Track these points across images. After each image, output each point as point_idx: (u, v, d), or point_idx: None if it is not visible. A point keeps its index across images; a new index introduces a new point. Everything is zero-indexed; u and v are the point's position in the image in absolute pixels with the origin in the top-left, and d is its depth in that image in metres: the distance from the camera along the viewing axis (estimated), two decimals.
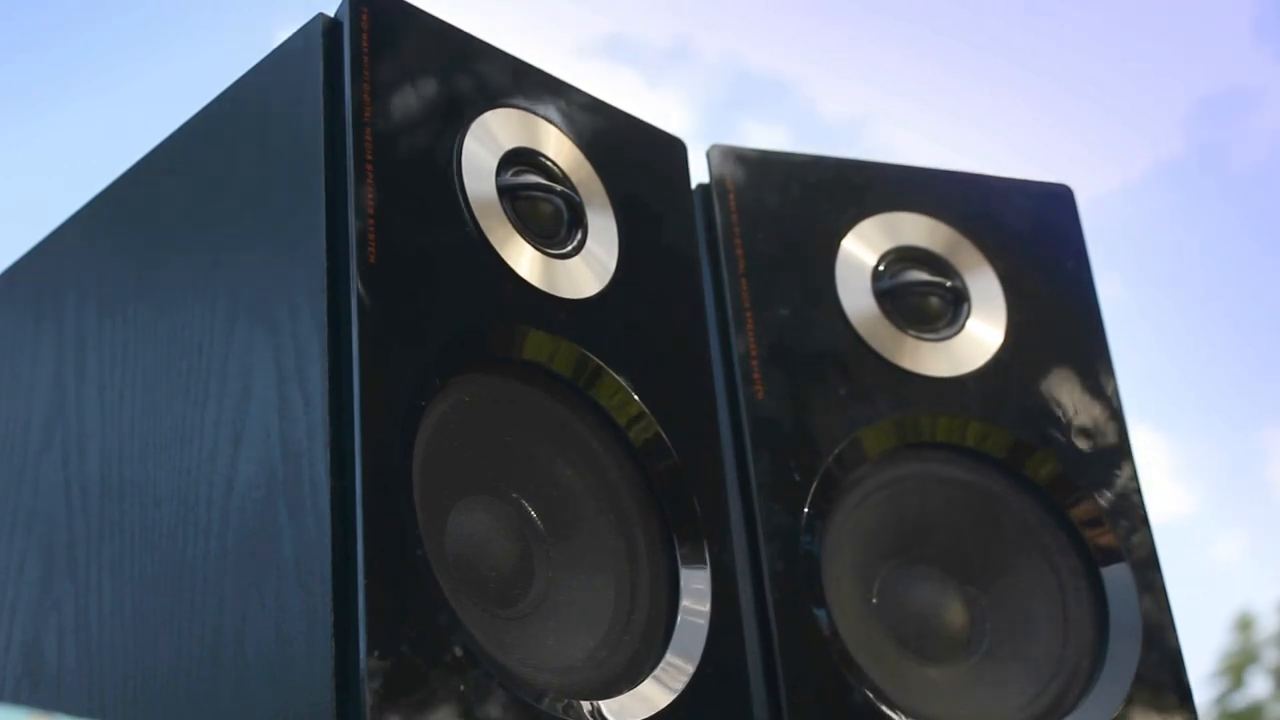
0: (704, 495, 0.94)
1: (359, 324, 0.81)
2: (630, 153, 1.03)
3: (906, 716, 0.95)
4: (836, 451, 1.02)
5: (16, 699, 0.96)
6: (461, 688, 0.76)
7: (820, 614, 0.97)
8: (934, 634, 1.02)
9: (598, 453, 0.92)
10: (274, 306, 0.86)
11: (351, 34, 0.88)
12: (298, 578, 0.78)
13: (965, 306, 1.10)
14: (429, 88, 0.91)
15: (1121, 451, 1.08)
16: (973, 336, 1.09)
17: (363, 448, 0.78)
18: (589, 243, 0.96)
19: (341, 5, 0.90)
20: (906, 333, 1.08)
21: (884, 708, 0.95)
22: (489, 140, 0.93)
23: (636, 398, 0.93)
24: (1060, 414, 1.08)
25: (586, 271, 0.95)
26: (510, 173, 0.94)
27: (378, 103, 0.87)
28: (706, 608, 0.91)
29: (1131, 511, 1.05)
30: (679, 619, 0.90)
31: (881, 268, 1.10)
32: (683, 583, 0.91)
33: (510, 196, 0.93)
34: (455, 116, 0.92)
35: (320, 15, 0.90)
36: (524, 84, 0.97)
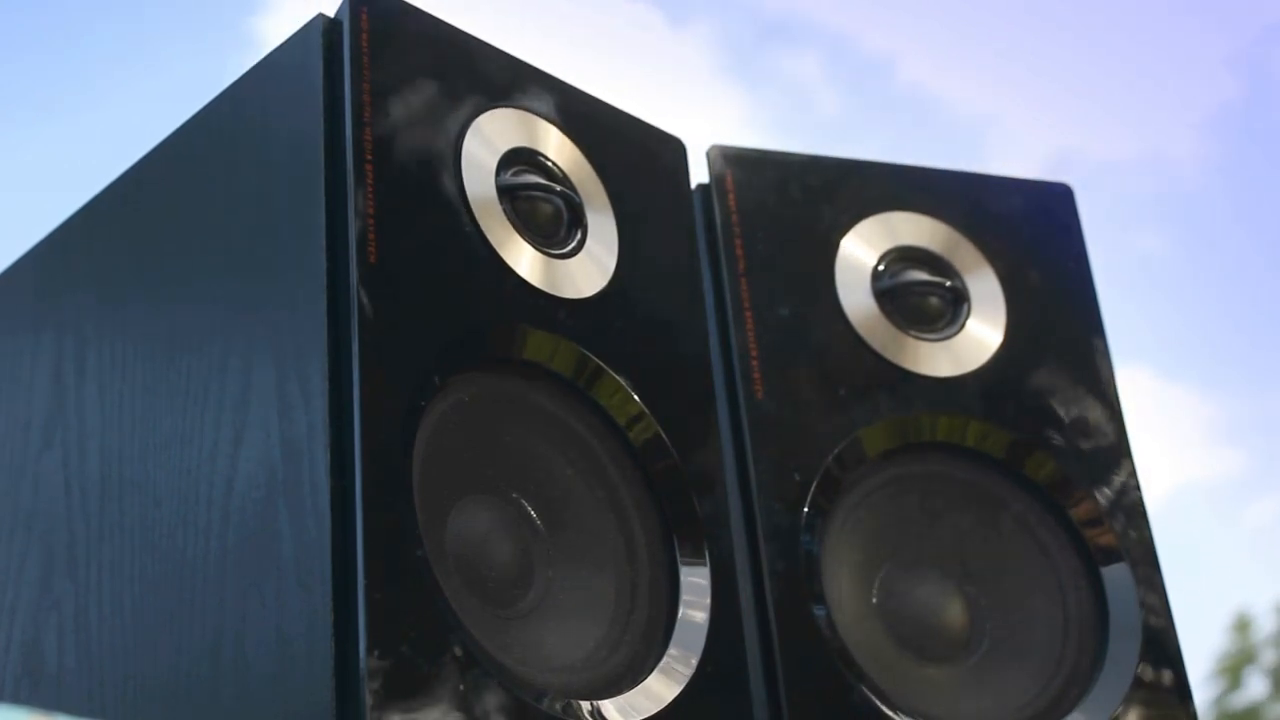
0: (704, 495, 0.94)
1: (359, 324, 0.81)
2: (630, 153, 1.03)
3: (906, 716, 0.95)
4: (836, 451, 1.02)
5: (16, 699, 0.97)
6: (461, 687, 0.76)
7: (820, 613, 0.97)
8: (934, 634, 1.02)
9: (598, 453, 0.92)
10: (274, 306, 0.86)
11: (351, 34, 0.88)
12: (298, 578, 0.78)
13: (965, 306, 1.10)
14: (429, 88, 0.91)
15: (1121, 451, 1.08)
16: (973, 336, 1.09)
17: (363, 448, 0.78)
18: (589, 243, 0.96)
19: (341, 5, 0.90)
20: (906, 333, 1.08)
21: (884, 707, 0.95)
22: (489, 140, 0.93)
23: (636, 398, 0.93)
24: (1060, 414, 1.08)
25: (586, 271, 0.95)
26: (510, 173, 0.94)
27: (377, 103, 0.87)
28: (706, 607, 0.91)
29: (1131, 511, 1.05)
30: (679, 618, 0.90)
31: (881, 267, 1.10)
32: (683, 582, 0.91)
33: (510, 196, 0.93)
34: (455, 116, 0.92)
35: (320, 15, 0.90)
36: (524, 84, 0.97)
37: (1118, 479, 1.06)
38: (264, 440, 0.83)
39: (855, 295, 1.08)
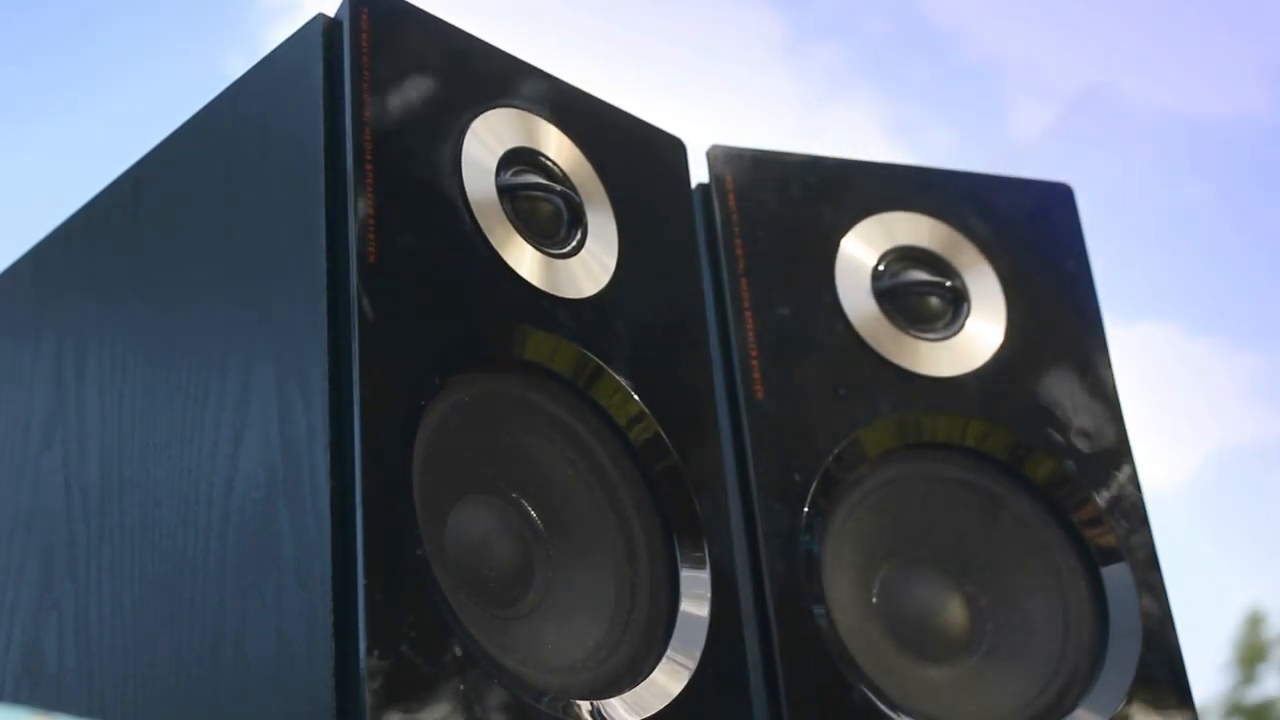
0: (704, 495, 0.94)
1: (359, 324, 0.81)
2: (630, 153, 1.03)
3: (906, 716, 0.95)
4: (836, 451, 1.02)
5: (16, 699, 0.97)
6: (461, 688, 0.76)
7: (820, 613, 0.97)
8: (934, 634, 1.02)
9: (598, 453, 0.92)
10: (274, 307, 0.86)
11: (351, 34, 0.88)
12: (298, 578, 0.78)
13: (965, 306, 1.10)
14: (429, 87, 0.91)
15: (1121, 451, 1.08)
16: (973, 336, 1.09)
17: (363, 448, 0.78)
18: (589, 243, 0.96)
19: (341, 5, 0.90)
20: (906, 332, 1.08)
21: (884, 707, 0.95)
22: (489, 140, 0.93)
23: (636, 398, 0.93)
24: (1060, 414, 1.08)
25: (586, 271, 0.95)
26: (510, 172, 0.94)
27: (377, 102, 0.87)
28: (706, 607, 0.91)
29: (1131, 511, 1.05)
30: (679, 618, 0.90)
31: (881, 267, 1.10)
32: (683, 582, 0.91)
33: (510, 196, 0.93)
34: (455, 116, 0.92)
35: (320, 15, 0.90)
36: (524, 84, 0.97)
37: (1118, 479, 1.06)
38: (264, 440, 0.83)
39: (855, 295, 1.08)
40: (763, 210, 1.08)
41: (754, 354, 1.03)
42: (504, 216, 0.92)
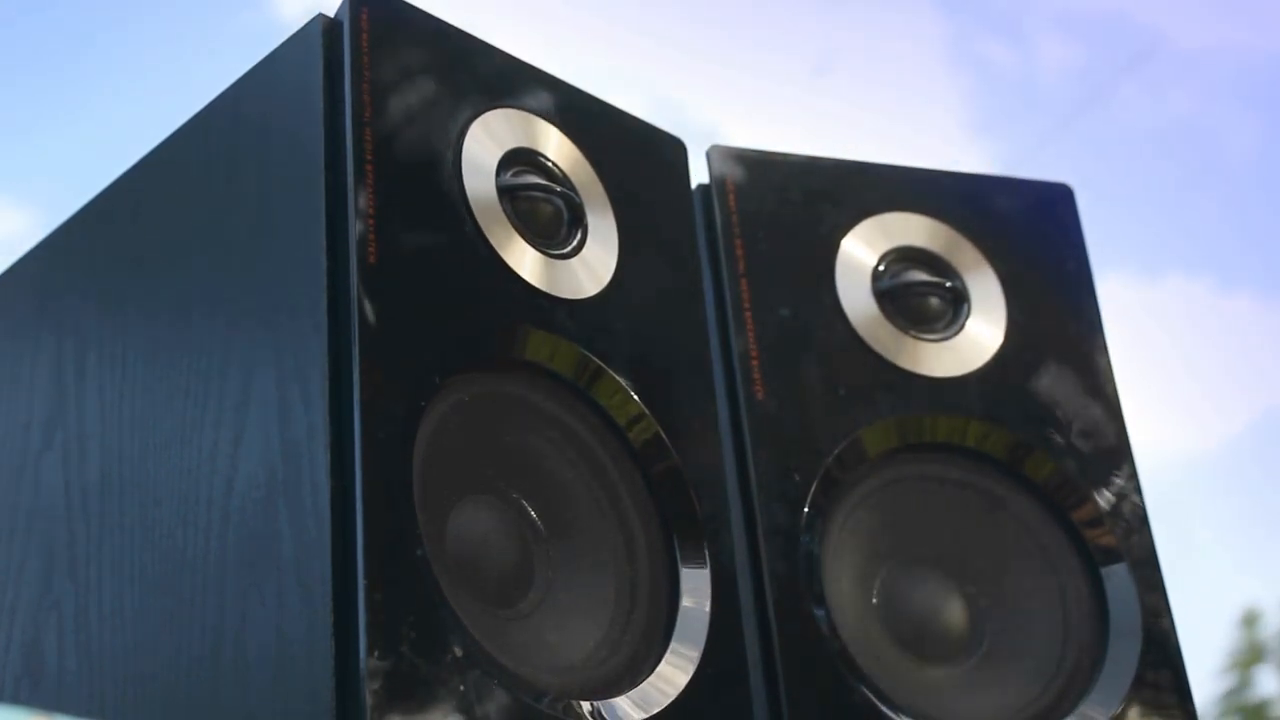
0: (704, 495, 0.94)
1: (359, 324, 0.81)
2: (630, 153, 1.03)
3: (906, 716, 0.95)
4: (836, 451, 1.02)
5: (16, 699, 0.97)
6: (461, 688, 0.76)
7: (820, 613, 0.97)
8: (934, 634, 1.02)
9: (598, 453, 0.92)
10: (274, 307, 0.86)
11: (351, 34, 0.88)
12: (298, 578, 0.78)
13: (965, 306, 1.10)
14: (429, 88, 0.91)
15: (1121, 451, 1.08)
16: (973, 336, 1.09)
17: (363, 448, 0.78)
18: (589, 243, 0.96)
19: (341, 5, 0.90)
20: (906, 333, 1.08)
21: (884, 708, 0.95)
22: (489, 140, 0.93)
23: (636, 398, 0.93)
24: (1060, 414, 1.08)
25: (586, 271, 0.95)
26: (510, 173, 0.94)
27: (377, 103, 0.87)
28: (706, 607, 0.91)
29: (1131, 511, 1.05)
30: (679, 618, 0.90)
31: (881, 268, 1.10)
32: (683, 582, 0.91)
33: (510, 197, 0.93)
34: (455, 116, 0.92)
35: (320, 15, 0.90)
36: (524, 84, 0.97)
37: (1118, 479, 1.06)
38: (264, 440, 0.83)
39: (855, 295, 1.08)
40: (763, 211, 1.08)
41: (754, 354, 1.03)
42: (504, 217, 0.92)
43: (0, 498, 1.04)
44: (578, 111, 1.00)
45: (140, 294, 0.98)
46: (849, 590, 1.00)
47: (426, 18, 0.93)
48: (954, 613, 1.03)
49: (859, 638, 0.98)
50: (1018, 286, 1.12)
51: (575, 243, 0.96)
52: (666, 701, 0.86)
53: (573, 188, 0.97)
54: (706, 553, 0.92)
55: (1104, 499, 1.05)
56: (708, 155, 1.10)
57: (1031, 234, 1.15)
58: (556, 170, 0.96)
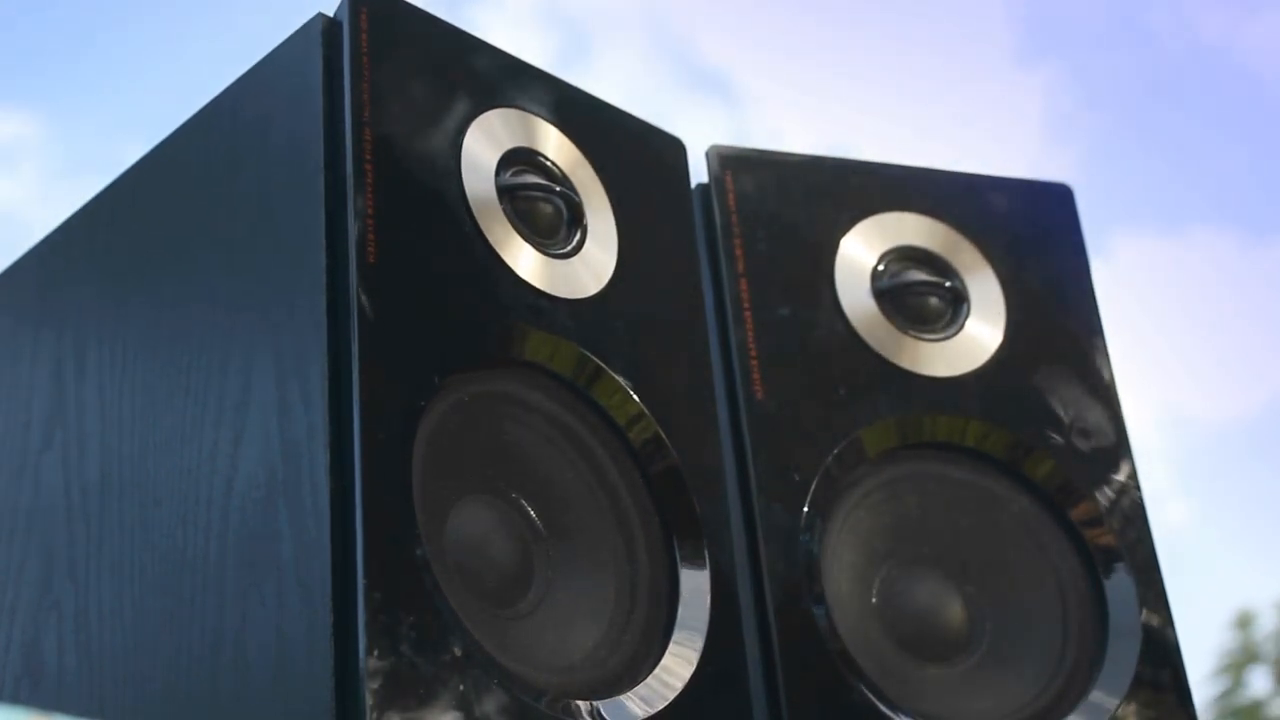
0: (704, 495, 0.94)
1: (359, 324, 0.81)
2: (630, 153, 1.03)
3: (906, 716, 0.95)
4: (836, 451, 1.02)
5: (16, 699, 0.97)
6: (461, 688, 0.76)
7: (820, 613, 0.97)
8: (934, 634, 1.02)
9: (598, 453, 0.92)
10: (274, 306, 0.86)
11: (351, 34, 0.88)
12: (298, 578, 0.78)
13: (965, 306, 1.10)
14: (428, 88, 0.91)
15: (1121, 451, 1.08)
16: (972, 336, 1.09)
17: (363, 448, 0.78)
18: (589, 243, 0.96)
19: (341, 5, 0.90)
20: (906, 333, 1.08)
21: (883, 707, 0.95)
22: (489, 140, 0.93)
23: (636, 398, 0.93)
24: (1060, 414, 1.08)
25: (586, 271, 0.95)
26: (510, 173, 0.94)
27: (377, 103, 0.87)
28: (706, 607, 0.91)
29: (1131, 512, 1.05)
30: (678, 618, 0.90)
31: (881, 268, 1.10)
32: (682, 582, 0.91)
33: (510, 196, 0.93)
34: (455, 116, 0.92)
35: (320, 15, 0.90)
36: (524, 84, 0.97)
37: (1118, 479, 1.06)
38: (264, 440, 0.83)
39: (855, 295, 1.08)
40: (763, 210, 1.08)
41: (754, 354, 1.03)
42: (504, 216, 0.92)
43: (0, 498, 1.04)
44: (577, 111, 1.00)
45: (140, 293, 0.98)
46: (849, 590, 1.00)
47: (426, 17, 0.93)
48: (953, 612, 1.03)
49: (859, 637, 0.98)
50: (1018, 286, 1.12)
51: (575, 242, 0.96)
52: (666, 701, 0.86)
53: (572, 187, 0.97)
54: (706, 553, 0.92)
55: (1104, 498, 1.05)
56: (707, 155, 1.10)
57: (1031, 234, 1.15)
58: (556, 170, 0.96)
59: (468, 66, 0.95)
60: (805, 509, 0.99)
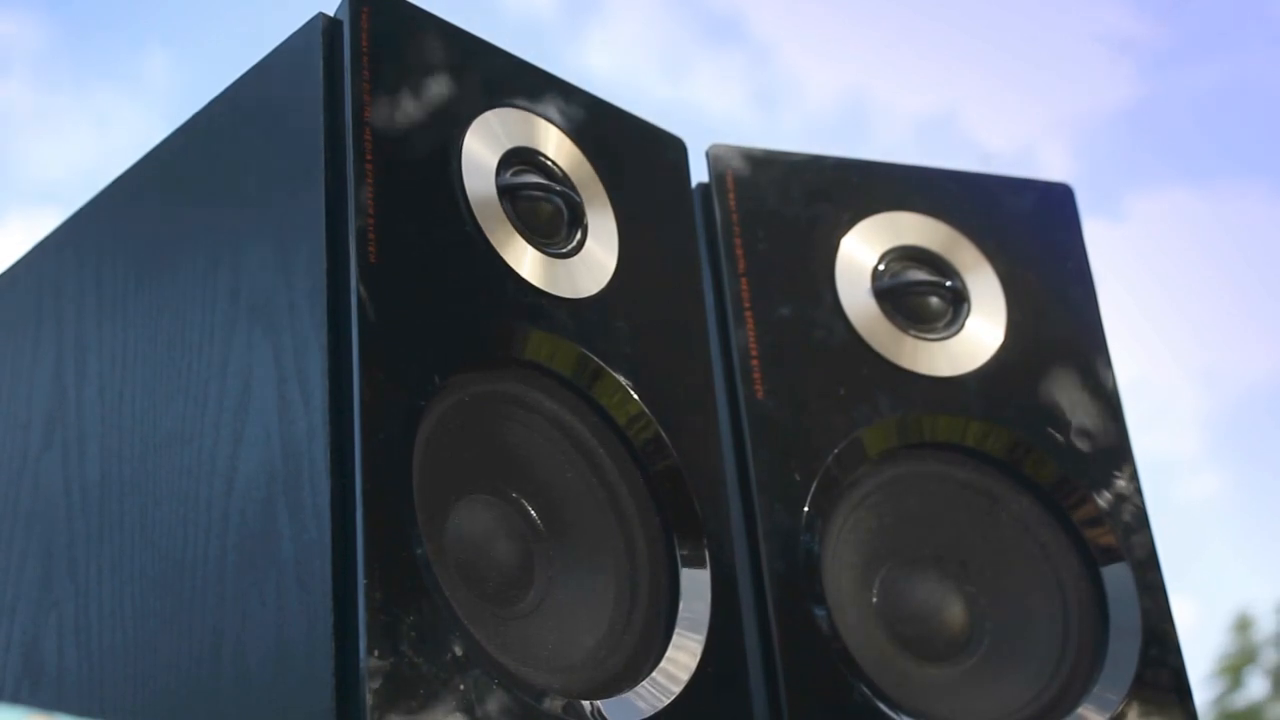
0: (704, 495, 0.94)
1: (359, 324, 0.81)
2: (630, 153, 1.03)
3: (906, 716, 0.95)
4: (836, 451, 1.02)
5: (16, 699, 0.96)
6: (461, 688, 0.76)
7: (820, 613, 0.97)
8: (934, 634, 1.02)
9: (598, 452, 0.92)
10: (274, 306, 0.86)
11: (351, 33, 0.88)
12: (298, 578, 0.78)
13: (965, 306, 1.10)
14: (429, 87, 0.91)
15: (1121, 451, 1.08)
16: (973, 336, 1.09)
17: (363, 448, 0.78)
18: (589, 242, 0.96)
19: (341, 5, 0.90)
20: (906, 332, 1.08)
21: (884, 707, 0.95)
22: (489, 140, 0.93)
23: (636, 398, 0.93)
24: (1060, 414, 1.08)
25: (586, 271, 0.95)
26: (510, 172, 0.94)
27: (378, 102, 0.87)
28: (706, 607, 0.91)
29: (1131, 511, 1.05)
30: (679, 618, 0.90)
31: (881, 267, 1.10)
32: (683, 583, 0.91)
33: (510, 196, 0.93)
34: (455, 116, 0.92)
35: (320, 15, 0.90)
36: (524, 83, 0.97)
37: (1118, 479, 1.06)
38: (264, 440, 0.83)
39: (855, 295, 1.08)
40: (763, 210, 1.08)
41: (754, 354, 1.03)
42: (504, 216, 0.92)
43: (0, 498, 1.04)
44: (578, 111, 1.00)
45: (141, 293, 0.98)
46: (849, 590, 1.00)
47: (427, 17, 0.93)
48: (954, 612, 1.03)
49: (859, 637, 0.98)
50: (1018, 286, 1.12)
51: (575, 242, 0.96)
52: (666, 701, 0.86)
53: (573, 187, 0.97)
54: (706, 553, 0.92)
55: (1104, 499, 1.05)
56: (707, 154, 1.10)
57: (1031, 233, 1.15)
58: (556, 169, 0.96)
59: (468, 66, 0.94)
60: (805, 509, 0.99)
